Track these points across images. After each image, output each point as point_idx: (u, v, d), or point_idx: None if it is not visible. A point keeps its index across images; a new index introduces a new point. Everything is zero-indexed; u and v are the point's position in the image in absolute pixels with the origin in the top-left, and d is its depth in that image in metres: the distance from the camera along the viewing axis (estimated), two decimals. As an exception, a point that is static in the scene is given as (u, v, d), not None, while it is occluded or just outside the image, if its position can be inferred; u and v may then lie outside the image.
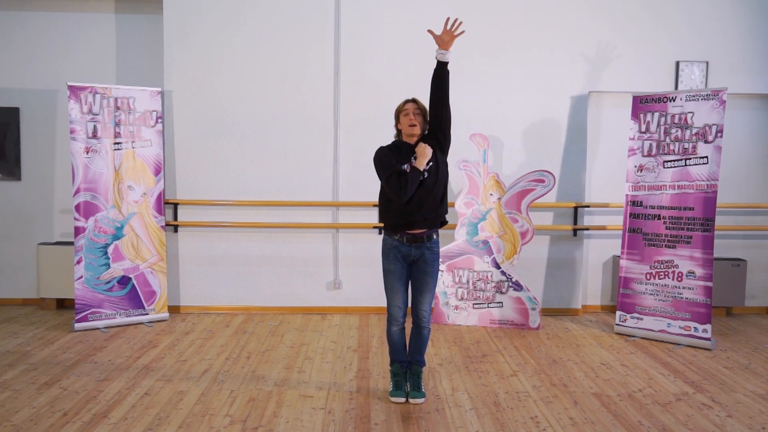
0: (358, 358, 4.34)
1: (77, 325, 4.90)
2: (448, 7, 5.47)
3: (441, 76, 3.45)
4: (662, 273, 4.82)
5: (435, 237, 3.56)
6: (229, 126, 5.48)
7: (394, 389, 3.58)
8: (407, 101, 3.54)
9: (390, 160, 3.45)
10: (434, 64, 5.69)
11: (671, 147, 4.80)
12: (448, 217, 5.55)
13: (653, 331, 4.84)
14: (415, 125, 3.45)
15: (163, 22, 5.42)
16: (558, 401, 3.59)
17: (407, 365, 3.65)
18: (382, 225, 3.64)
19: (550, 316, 5.55)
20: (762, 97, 5.69)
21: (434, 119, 3.49)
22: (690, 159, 4.71)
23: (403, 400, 3.55)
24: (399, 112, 3.55)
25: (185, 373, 4.00)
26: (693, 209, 4.68)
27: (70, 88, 4.90)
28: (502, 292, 5.16)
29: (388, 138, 5.56)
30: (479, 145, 5.19)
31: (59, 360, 4.21)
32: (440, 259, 5.16)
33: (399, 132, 3.58)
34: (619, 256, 5.23)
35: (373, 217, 5.45)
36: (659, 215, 4.84)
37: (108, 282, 5.04)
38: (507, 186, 5.16)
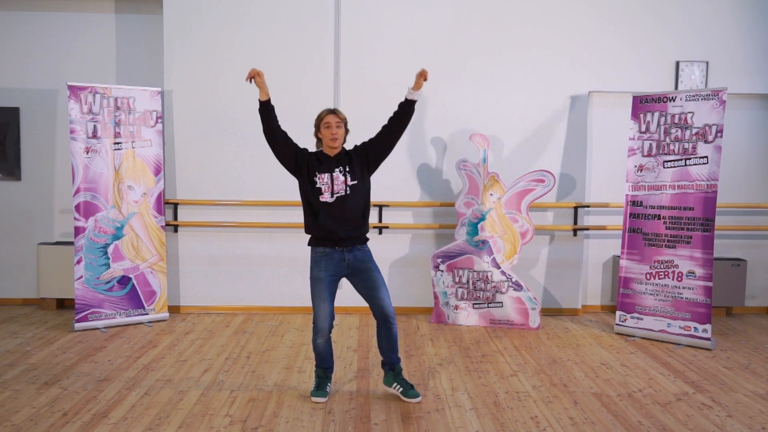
0: (358, 358, 4.34)
1: (77, 325, 4.90)
2: (448, 7, 5.47)
3: (408, 114, 3.55)
4: (662, 273, 4.82)
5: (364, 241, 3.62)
6: (229, 126, 5.48)
7: (316, 389, 3.58)
8: (329, 112, 3.53)
9: (295, 145, 3.54)
10: (432, 65, 5.70)
11: (671, 147, 4.80)
12: (448, 216, 5.58)
13: (653, 331, 4.84)
14: (336, 138, 3.49)
15: (163, 22, 5.42)
16: (558, 401, 3.59)
17: (331, 370, 3.68)
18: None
19: (550, 316, 5.55)
20: (762, 97, 5.69)
21: (380, 147, 3.57)
22: (690, 159, 4.71)
23: (324, 400, 3.54)
24: (320, 122, 3.54)
25: (185, 373, 4.00)
26: (693, 209, 4.68)
27: (70, 88, 4.90)
28: (502, 292, 5.16)
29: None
30: (479, 145, 5.19)
31: (59, 360, 4.21)
32: (439, 259, 5.19)
33: (319, 140, 3.60)
34: (619, 256, 5.22)
35: (373, 216, 5.45)
36: (659, 215, 4.84)
37: (108, 282, 5.04)
38: (507, 186, 5.16)
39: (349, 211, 3.48)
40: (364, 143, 3.62)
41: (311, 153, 3.58)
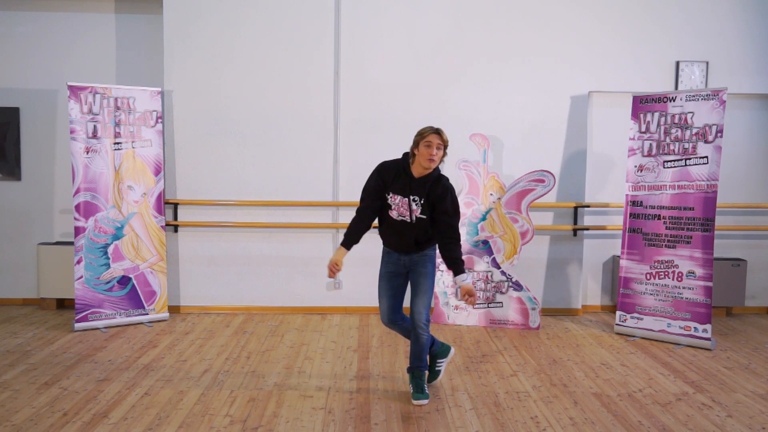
0: (358, 358, 4.34)
1: (77, 325, 4.90)
2: (448, 8, 5.47)
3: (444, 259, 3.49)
4: (662, 273, 4.82)
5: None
6: (229, 126, 5.47)
7: (414, 391, 3.58)
8: (433, 131, 3.33)
9: (373, 187, 3.48)
10: (432, 65, 5.73)
11: (671, 147, 4.80)
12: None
13: (653, 331, 4.84)
14: (434, 161, 3.35)
15: (163, 22, 5.42)
16: (558, 401, 3.59)
17: (409, 369, 3.67)
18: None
19: (550, 316, 5.55)
20: (762, 97, 5.69)
21: (436, 224, 3.45)
22: (690, 159, 4.71)
23: (424, 401, 3.51)
24: (421, 138, 3.35)
25: (185, 373, 4.00)
26: (693, 209, 4.68)
27: (70, 88, 4.90)
28: (502, 292, 5.16)
29: (387, 138, 5.57)
30: (479, 145, 5.19)
31: (59, 360, 4.21)
32: (440, 259, 5.19)
33: (413, 155, 3.41)
34: (619, 256, 5.23)
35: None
36: (659, 215, 4.84)
37: (108, 282, 5.04)
38: (507, 186, 5.16)
39: (408, 235, 3.49)
40: (437, 203, 3.42)
41: (393, 168, 3.48)
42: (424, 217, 3.44)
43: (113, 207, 5.05)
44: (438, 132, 3.36)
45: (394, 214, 3.49)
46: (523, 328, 5.13)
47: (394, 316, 3.62)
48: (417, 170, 3.42)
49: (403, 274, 3.62)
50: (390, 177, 3.47)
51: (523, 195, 5.12)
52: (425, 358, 3.62)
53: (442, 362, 3.78)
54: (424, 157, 3.34)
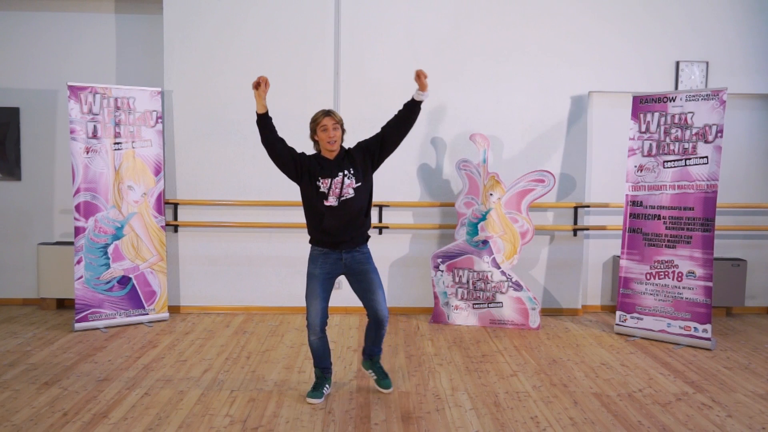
0: (358, 358, 4.34)
1: (77, 325, 4.90)
2: (448, 7, 5.47)
3: (414, 114, 3.49)
4: (662, 273, 4.82)
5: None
6: (229, 126, 5.48)
7: (312, 390, 3.58)
8: (324, 114, 3.44)
9: (294, 152, 3.49)
10: (432, 65, 5.70)
11: (671, 147, 4.80)
12: (448, 216, 5.55)
13: (653, 331, 4.84)
14: (334, 141, 3.42)
15: (163, 22, 5.42)
16: (558, 401, 3.59)
17: (329, 371, 3.68)
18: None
19: (550, 316, 5.55)
20: (762, 97, 5.69)
21: (385, 147, 3.51)
22: (690, 159, 4.71)
23: (319, 401, 3.54)
24: (315, 125, 3.45)
25: (185, 373, 4.00)
26: (693, 209, 4.68)
27: (70, 88, 4.90)
28: (502, 292, 5.16)
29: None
30: (479, 145, 5.19)
31: (59, 360, 4.21)
32: (439, 259, 5.19)
33: (316, 142, 3.53)
34: (619, 256, 5.23)
35: (373, 216, 5.44)
36: (659, 215, 4.84)
37: (108, 282, 5.04)
38: (507, 186, 5.16)
39: (353, 212, 3.45)
40: (367, 142, 3.57)
41: (311, 157, 3.53)
42: (360, 184, 3.46)
43: (113, 207, 5.05)
44: (329, 113, 3.46)
45: (332, 200, 3.42)
46: (523, 328, 5.13)
47: (325, 320, 3.55)
48: (328, 155, 3.49)
49: (335, 277, 3.55)
50: (313, 165, 3.47)
51: (523, 195, 5.12)
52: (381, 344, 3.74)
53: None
54: (324, 141, 3.44)
